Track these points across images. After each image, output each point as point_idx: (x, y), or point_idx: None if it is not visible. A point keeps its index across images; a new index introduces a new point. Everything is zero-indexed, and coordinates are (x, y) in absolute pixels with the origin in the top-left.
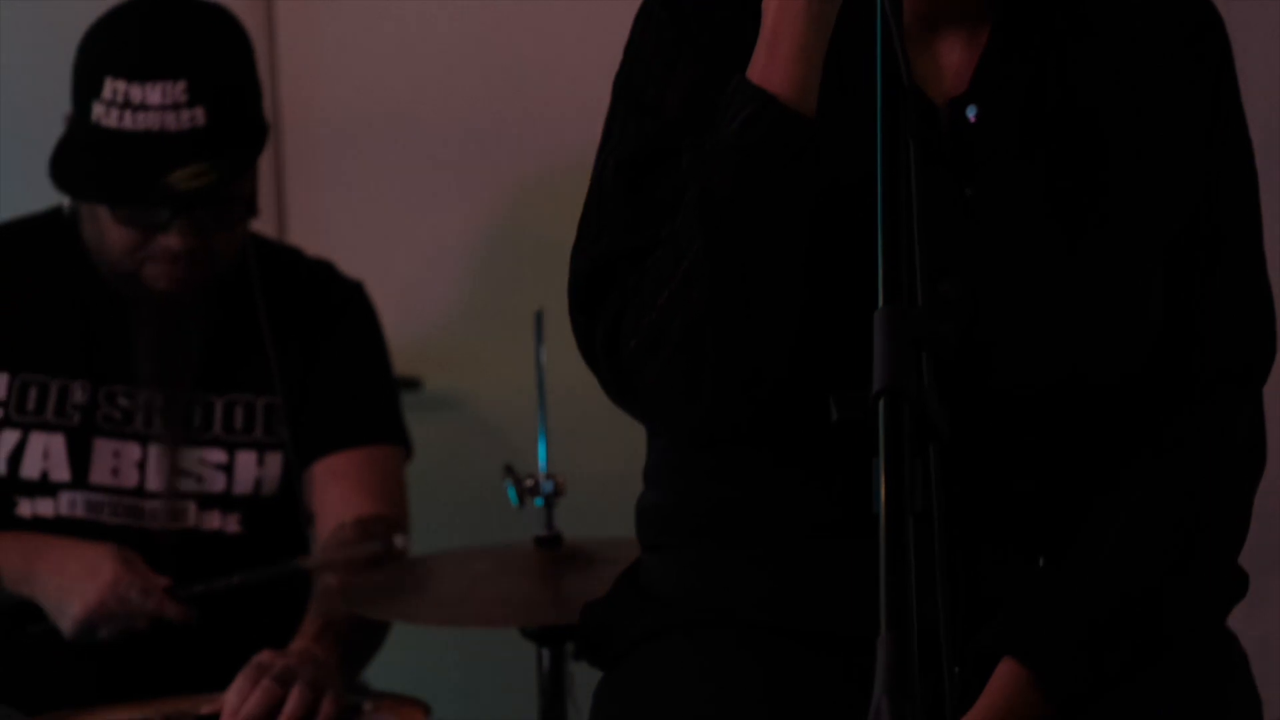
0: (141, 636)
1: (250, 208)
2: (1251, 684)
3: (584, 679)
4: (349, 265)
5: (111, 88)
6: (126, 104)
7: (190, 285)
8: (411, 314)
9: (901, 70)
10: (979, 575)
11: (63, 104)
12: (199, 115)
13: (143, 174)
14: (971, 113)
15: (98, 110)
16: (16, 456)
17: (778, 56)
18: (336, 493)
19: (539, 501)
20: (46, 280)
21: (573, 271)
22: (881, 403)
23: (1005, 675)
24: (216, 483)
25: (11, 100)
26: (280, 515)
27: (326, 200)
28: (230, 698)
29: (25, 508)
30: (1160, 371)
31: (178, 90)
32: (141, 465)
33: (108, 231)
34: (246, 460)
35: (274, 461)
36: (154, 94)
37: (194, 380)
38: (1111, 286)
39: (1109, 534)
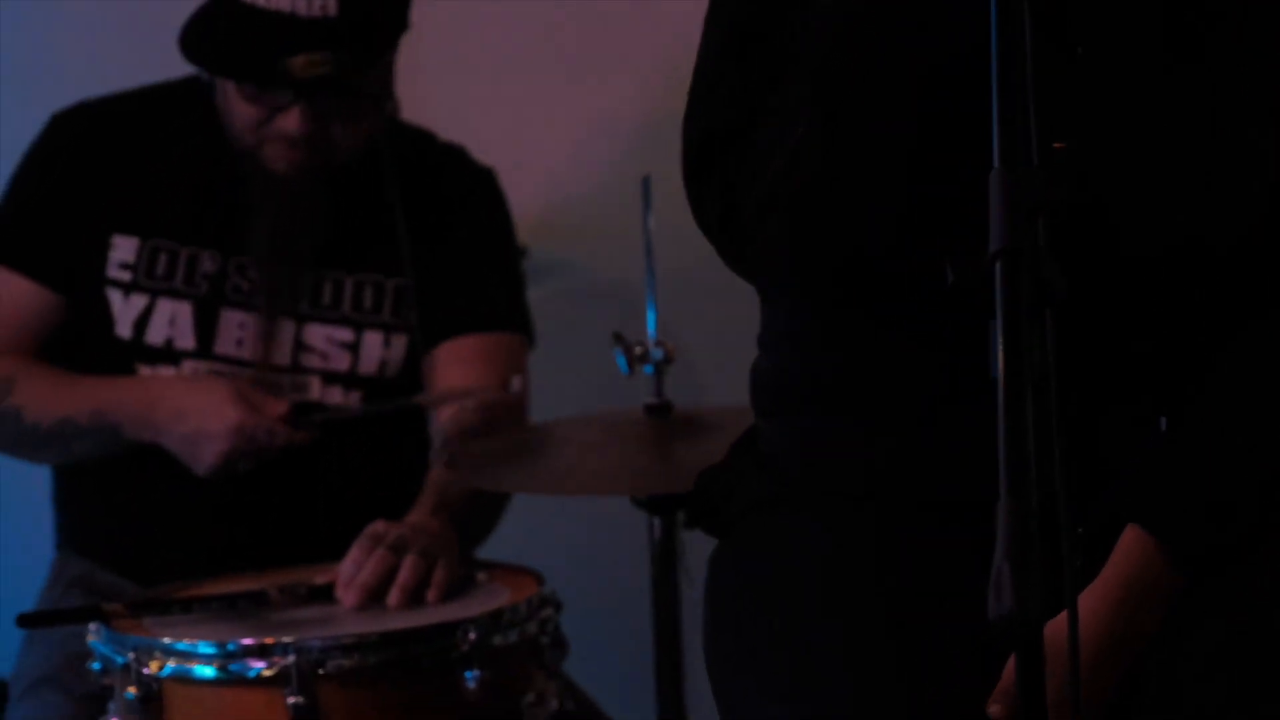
0: (265, 504)
1: (379, 103)
2: None
3: (695, 547)
4: (454, 134)
5: None
6: None
7: (309, 170)
8: (518, 182)
9: None
10: (1098, 438)
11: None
12: (330, 4)
13: (263, 54)
14: None
15: None
16: (143, 322)
17: None
18: (458, 375)
19: (648, 369)
20: (182, 148)
21: (685, 141)
22: (998, 265)
23: (1130, 543)
24: (341, 361)
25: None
26: (403, 393)
27: (432, 69)
28: (345, 567)
29: (146, 374)
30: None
31: None
32: (266, 338)
33: (232, 105)
34: (373, 340)
35: (399, 344)
36: None
37: (307, 260)
38: (1228, 142)
39: (1231, 395)
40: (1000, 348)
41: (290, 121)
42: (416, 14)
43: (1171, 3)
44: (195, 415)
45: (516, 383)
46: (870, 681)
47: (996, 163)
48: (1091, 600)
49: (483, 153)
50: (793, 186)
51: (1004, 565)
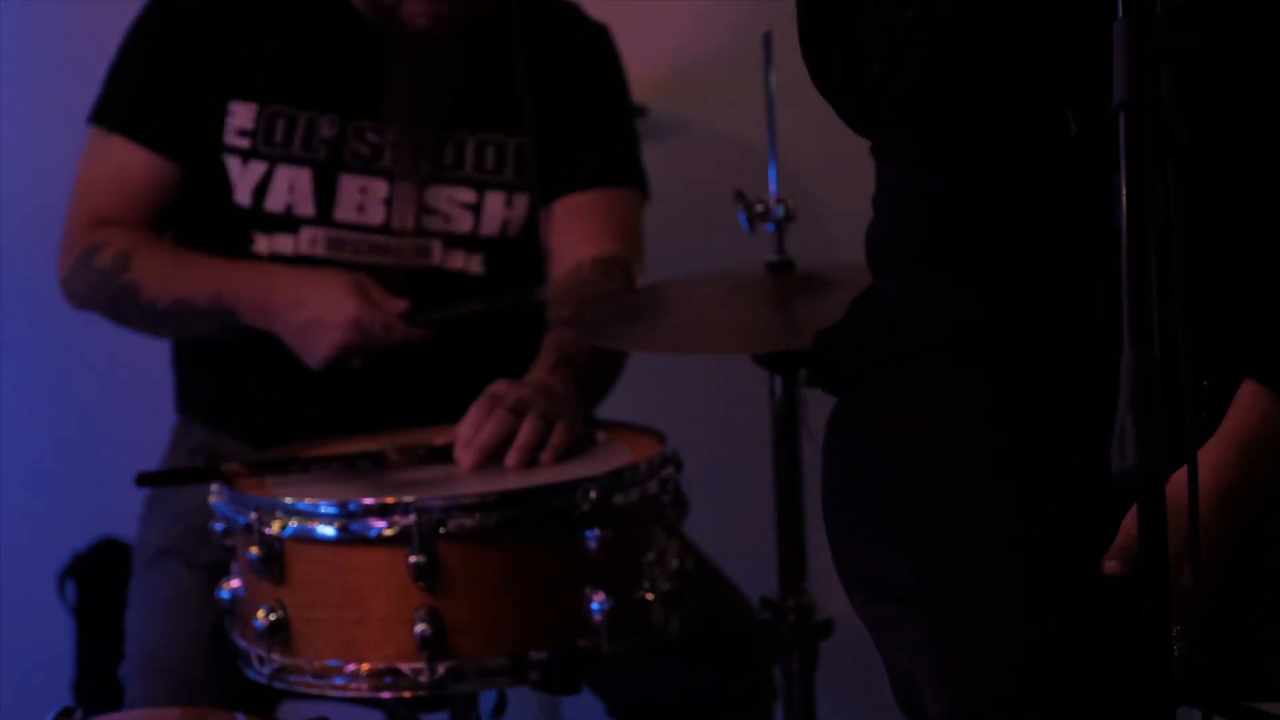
0: (379, 368)
1: None
2: None
3: (817, 405)
4: None
5: None
6: None
7: (449, 23)
8: (638, 40)
9: None
10: (1225, 291)
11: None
12: None
13: None
14: None
15: None
16: (262, 189)
17: None
18: (575, 231)
19: (770, 226)
20: (298, 11)
21: (803, 4)
22: (1121, 115)
23: (1247, 397)
24: (464, 222)
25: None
26: (524, 258)
27: None
28: (464, 428)
29: (263, 244)
30: None
31: None
32: (388, 202)
33: None
34: (495, 201)
35: (521, 203)
36: None
37: (444, 119)
38: None
39: None
40: (1124, 200)
41: None
42: None
43: None
44: (313, 304)
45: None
46: (986, 538)
47: (1120, 12)
48: (1208, 455)
49: (605, 11)
50: (925, 38)
51: (1128, 419)
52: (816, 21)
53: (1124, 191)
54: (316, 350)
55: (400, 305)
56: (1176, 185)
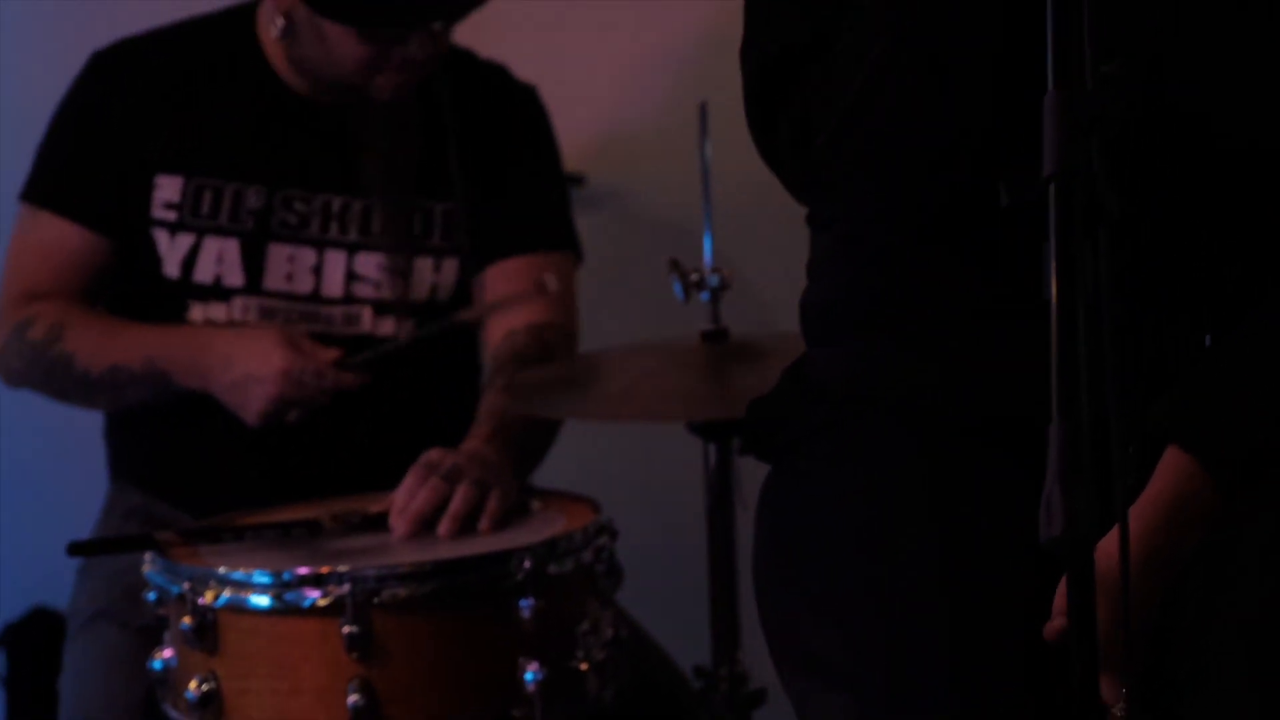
0: (316, 433)
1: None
2: None
3: (750, 474)
4: (511, 61)
5: None
6: None
7: (408, 92)
8: (577, 110)
9: None
10: (1152, 355)
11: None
12: None
13: None
14: None
15: None
16: (190, 261)
17: None
18: (507, 297)
19: (705, 296)
20: (224, 82)
21: (747, 71)
22: (1052, 186)
23: (1168, 461)
24: (396, 289)
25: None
26: (453, 322)
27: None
28: (398, 495)
29: (197, 312)
30: None
31: None
32: (317, 270)
33: (340, 48)
34: (423, 266)
35: (450, 268)
36: None
37: (413, 190)
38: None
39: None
40: (1053, 269)
41: (413, 50)
42: None
43: None
44: (244, 360)
45: (551, 281)
46: (917, 616)
47: (1051, 85)
48: (1132, 520)
49: (540, 79)
50: (872, 110)
51: (1055, 487)
52: (763, 91)
53: (1053, 261)
54: (251, 405)
55: (331, 354)
56: (1107, 255)
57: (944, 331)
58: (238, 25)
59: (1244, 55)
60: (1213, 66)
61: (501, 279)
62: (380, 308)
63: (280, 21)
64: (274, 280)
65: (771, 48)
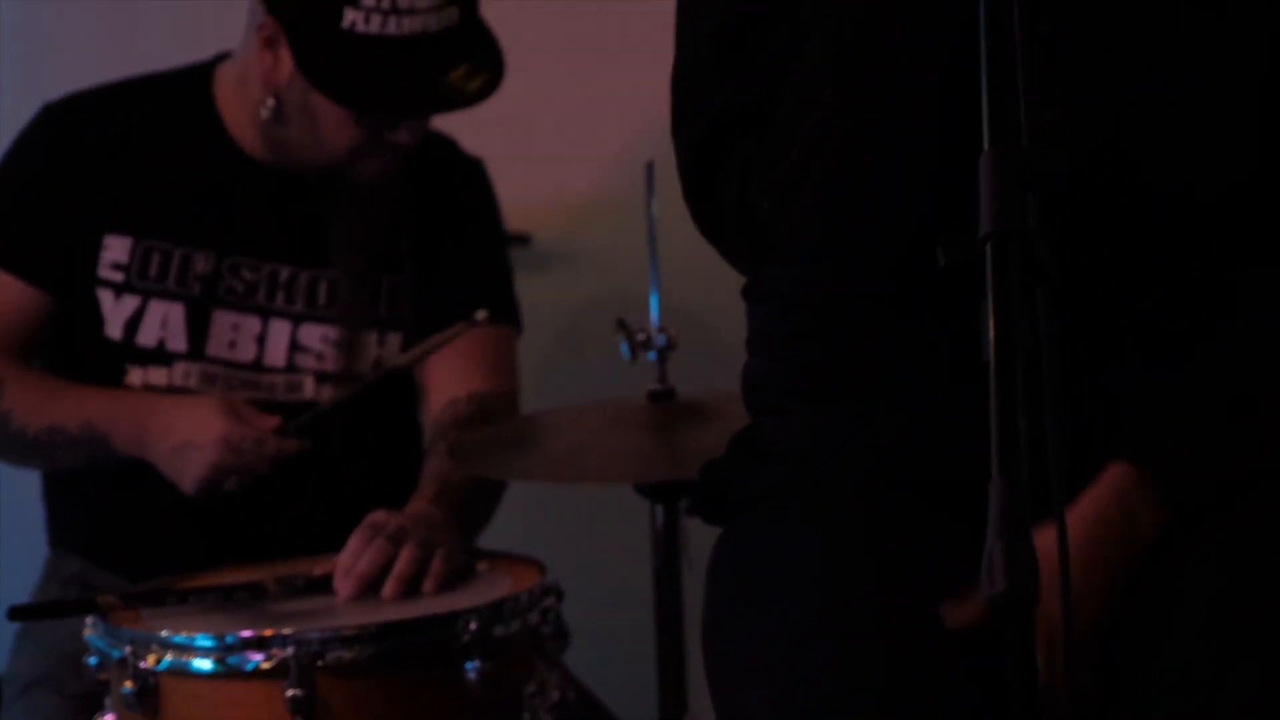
0: (259, 497)
1: None
2: None
3: (697, 535)
4: (459, 118)
5: None
6: (393, 9)
7: (391, 174)
8: (523, 169)
9: None
10: (1092, 411)
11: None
12: (454, 15)
13: (423, 79)
14: None
15: (352, 16)
16: (134, 323)
17: None
18: (449, 369)
19: (652, 355)
20: (177, 143)
21: (683, 147)
22: (988, 246)
23: (1114, 475)
24: (336, 360)
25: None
26: (397, 394)
27: None
28: (342, 557)
29: (136, 376)
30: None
31: None
32: (261, 339)
33: (332, 131)
34: (368, 339)
35: (394, 340)
36: None
37: (376, 265)
38: (1214, 94)
39: (1225, 339)
40: (990, 329)
41: (402, 135)
42: None
43: None
44: (183, 427)
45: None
46: (865, 677)
47: (986, 143)
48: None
49: (486, 139)
50: (815, 172)
51: (996, 544)
52: (700, 162)
53: (991, 322)
54: (189, 473)
55: (271, 421)
56: (1045, 313)
57: (889, 395)
58: (194, 85)
59: (1182, 106)
60: (1151, 119)
61: (442, 350)
62: (323, 378)
63: (271, 103)
64: (217, 347)
65: (706, 118)
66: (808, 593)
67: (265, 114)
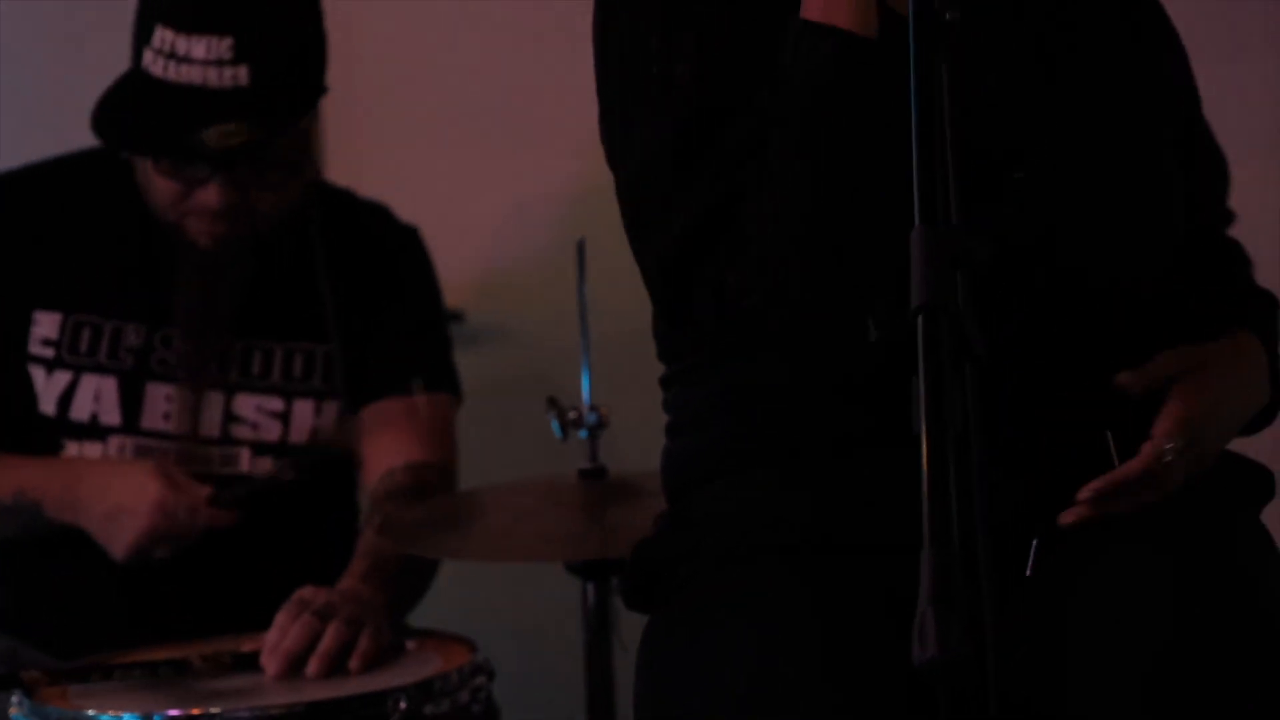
0: (192, 572)
1: (298, 170)
2: None
3: (628, 614)
4: (393, 200)
5: (161, 36)
6: (172, 55)
7: (231, 242)
8: (455, 246)
9: None
10: (1021, 479)
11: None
12: (242, 74)
13: (176, 128)
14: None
15: (147, 57)
16: (67, 398)
17: None
18: (387, 439)
19: (583, 434)
20: (103, 219)
21: (653, 260)
22: (920, 319)
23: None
24: (272, 431)
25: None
26: (335, 465)
27: (367, 134)
28: (270, 634)
29: (72, 450)
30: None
31: (223, 47)
32: (194, 410)
33: (152, 180)
34: (303, 409)
35: (331, 410)
36: (199, 48)
37: (231, 331)
38: (1144, 178)
39: None
40: (922, 403)
41: (210, 196)
42: (353, 78)
43: (1049, 36)
44: (117, 492)
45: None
46: None
47: (917, 220)
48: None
49: (419, 216)
50: (798, 263)
51: (928, 610)
52: (676, 275)
53: (922, 394)
54: (121, 538)
55: (205, 490)
56: (974, 389)
57: (811, 462)
58: (116, 160)
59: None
60: (1077, 204)
61: (379, 420)
62: (259, 449)
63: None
64: (151, 419)
65: (679, 221)
66: (741, 676)
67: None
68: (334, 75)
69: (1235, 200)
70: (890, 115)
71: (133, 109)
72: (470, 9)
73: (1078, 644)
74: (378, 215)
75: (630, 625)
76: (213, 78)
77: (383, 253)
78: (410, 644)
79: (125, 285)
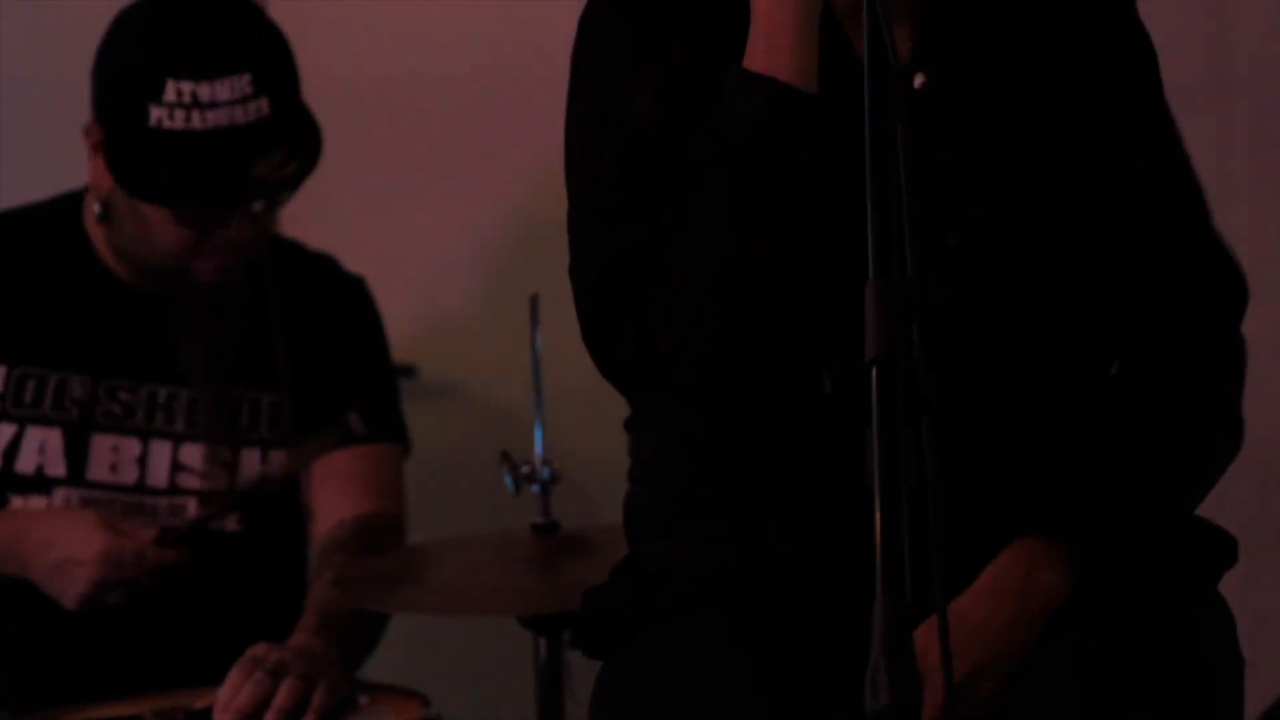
0: (145, 627)
1: (278, 203)
2: (1235, 645)
3: (581, 667)
4: (343, 252)
5: (175, 89)
6: (195, 104)
7: (232, 276)
8: (407, 300)
9: (887, 52)
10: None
11: (59, 105)
12: (264, 105)
13: (229, 171)
14: (917, 81)
15: (157, 114)
16: (12, 451)
17: (780, 47)
18: (335, 490)
19: (536, 488)
20: (48, 271)
21: (582, 288)
22: (874, 372)
23: (1014, 548)
24: (219, 480)
25: (11, 100)
26: (281, 513)
27: (321, 187)
28: (222, 692)
29: (17, 504)
30: (1147, 321)
31: (243, 83)
32: (142, 461)
33: (159, 231)
34: (251, 458)
35: (278, 459)
36: (223, 90)
37: (233, 378)
38: (1094, 233)
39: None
40: (875, 454)
41: (233, 232)
42: None
43: (1013, 100)
44: (62, 543)
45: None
46: None
47: (871, 273)
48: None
49: (371, 269)
50: (716, 308)
51: (880, 659)
52: (603, 302)
53: (876, 446)
54: (72, 589)
55: (150, 532)
56: (929, 442)
57: (763, 512)
58: (63, 213)
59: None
60: (1032, 255)
61: (329, 470)
62: (206, 498)
63: (97, 207)
64: (97, 471)
65: (608, 254)
66: (697, 710)
67: (96, 216)
68: None
69: None
70: (826, 170)
71: (172, 164)
72: (424, 62)
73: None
74: (325, 266)
75: (583, 679)
76: (239, 115)
77: (330, 302)
78: (363, 699)
79: (70, 337)
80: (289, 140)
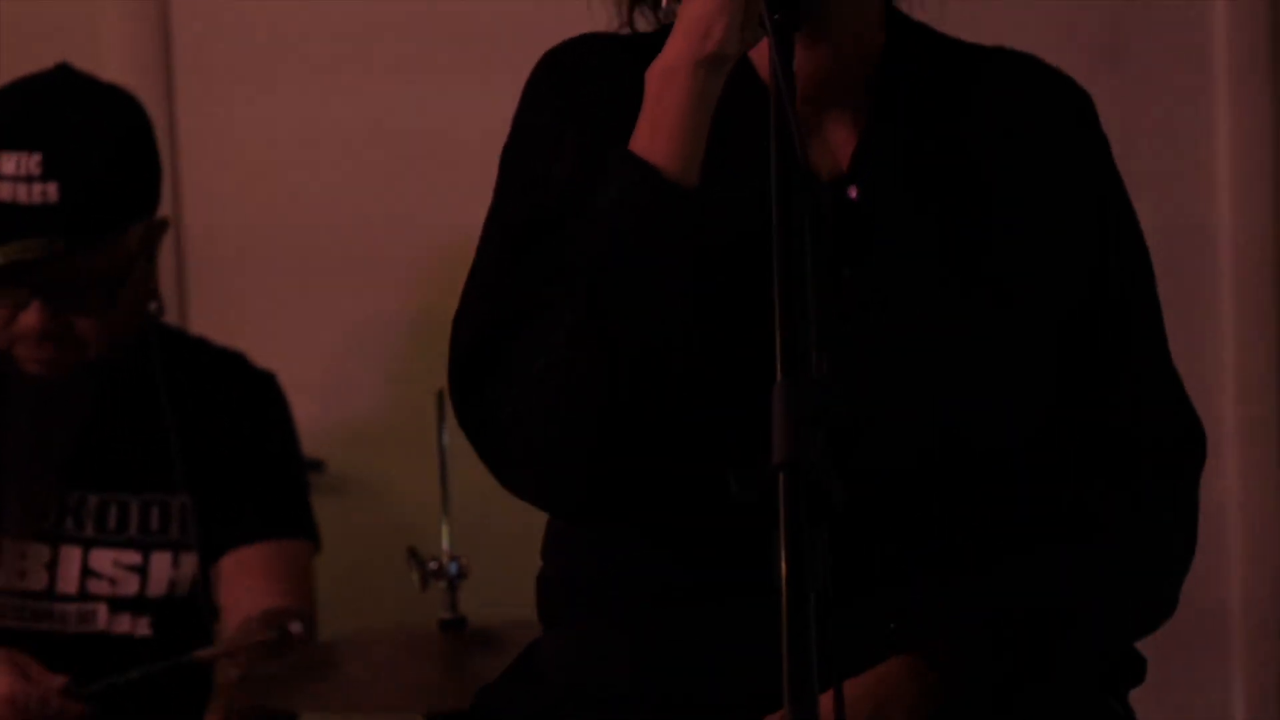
0: None
1: (113, 293)
2: None
3: None
4: (251, 348)
5: None
6: None
7: (62, 371)
8: (315, 396)
9: (795, 148)
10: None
11: None
12: (51, 190)
13: None
14: (852, 192)
15: None
16: None
17: (660, 131)
18: (244, 586)
19: (443, 583)
20: None
21: (454, 343)
22: (781, 476)
23: (887, 665)
24: (129, 585)
25: None
26: (193, 617)
27: (228, 284)
28: None
29: None
30: (1064, 447)
31: (31, 163)
32: (51, 566)
33: None
34: (161, 561)
35: (189, 562)
36: (8, 164)
37: (59, 473)
38: (993, 358)
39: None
40: (782, 560)
41: (30, 317)
42: (211, 220)
43: (942, 221)
44: None
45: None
46: None
47: (779, 374)
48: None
49: (279, 365)
50: (555, 388)
51: None
52: (469, 363)
53: (783, 551)
54: None
55: (59, 681)
56: (830, 547)
57: (660, 610)
58: None
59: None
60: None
61: (238, 568)
62: (116, 605)
63: None
64: (7, 577)
65: (477, 321)
66: None
67: None
68: (195, 217)
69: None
70: (687, 260)
71: None
72: (327, 158)
73: None
74: (231, 361)
75: None
76: (22, 194)
77: (237, 399)
78: None
79: None
80: (63, 228)
